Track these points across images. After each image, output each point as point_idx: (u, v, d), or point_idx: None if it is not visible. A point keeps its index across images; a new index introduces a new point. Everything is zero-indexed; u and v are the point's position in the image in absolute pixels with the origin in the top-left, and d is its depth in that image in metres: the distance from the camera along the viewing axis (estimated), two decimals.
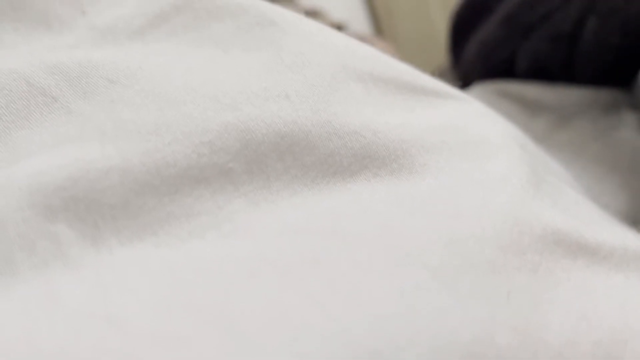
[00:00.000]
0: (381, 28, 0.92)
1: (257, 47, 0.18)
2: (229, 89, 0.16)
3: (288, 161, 0.16)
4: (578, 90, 0.40)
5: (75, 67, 0.16)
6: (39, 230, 0.12)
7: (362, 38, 0.48)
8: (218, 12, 0.20)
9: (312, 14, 0.51)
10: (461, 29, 0.48)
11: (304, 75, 0.17)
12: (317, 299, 0.12)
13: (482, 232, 0.15)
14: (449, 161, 0.18)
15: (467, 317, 0.13)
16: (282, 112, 0.16)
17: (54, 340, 0.10)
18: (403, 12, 0.92)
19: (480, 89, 0.43)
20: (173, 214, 0.14)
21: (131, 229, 0.13)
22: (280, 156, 0.16)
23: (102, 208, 0.13)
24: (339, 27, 0.50)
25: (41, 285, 0.11)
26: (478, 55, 0.45)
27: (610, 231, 0.19)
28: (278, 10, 0.20)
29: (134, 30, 0.19)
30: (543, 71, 0.41)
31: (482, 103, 0.39)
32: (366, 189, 0.16)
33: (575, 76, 0.40)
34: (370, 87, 0.19)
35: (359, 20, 0.92)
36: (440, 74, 0.77)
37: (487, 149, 0.19)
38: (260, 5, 0.20)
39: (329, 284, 0.12)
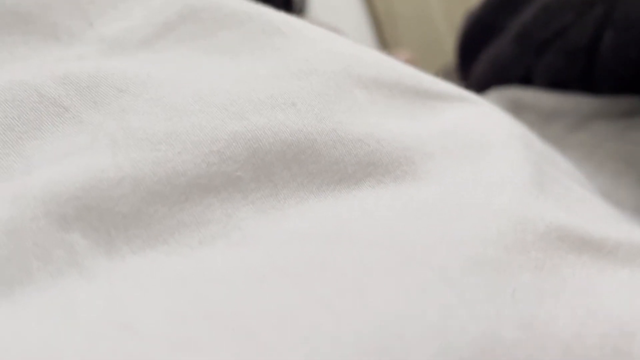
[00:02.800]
0: (384, 34, 0.92)
1: (264, 54, 0.19)
2: (237, 97, 0.17)
3: (294, 169, 0.16)
4: (596, 98, 0.40)
5: (84, 77, 0.17)
6: (54, 239, 0.12)
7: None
8: (224, 20, 0.20)
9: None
10: (470, 47, 0.48)
11: (309, 83, 0.18)
12: (326, 301, 0.12)
13: (486, 233, 0.15)
14: (451, 167, 0.18)
15: (473, 315, 0.13)
16: (289, 121, 0.16)
17: (73, 348, 0.10)
18: (405, 18, 0.92)
19: (496, 95, 0.43)
20: (183, 223, 0.14)
21: (143, 238, 0.13)
22: (286, 164, 0.16)
23: (114, 217, 0.13)
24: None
25: (57, 294, 0.12)
26: (490, 73, 0.45)
27: (616, 226, 0.19)
28: (283, 17, 0.20)
29: (142, 40, 0.20)
30: (561, 86, 0.41)
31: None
32: (371, 195, 0.16)
33: (594, 89, 0.40)
34: (374, 94, 0.19)
35: (361, 26, 0.93)
36: (444, 74, 0.77)
37: (489, 151, 0.19)
38: (266, 12, 0.20)
39: (337, 286, 0.13)
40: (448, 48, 0.88)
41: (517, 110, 0.42)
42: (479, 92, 0.46)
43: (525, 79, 0.42)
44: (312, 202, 0.16)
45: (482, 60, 0.45)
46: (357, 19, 0.93)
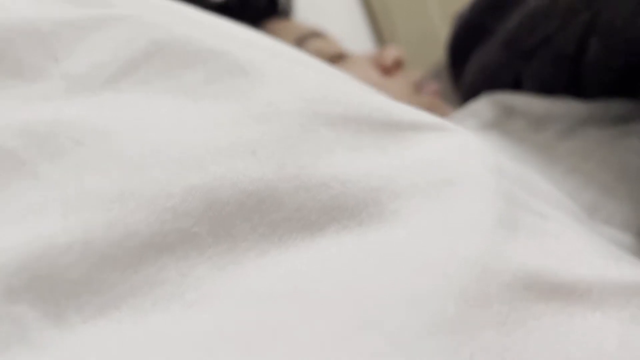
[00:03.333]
0: (379, 28, 0.91)
1: (227, 97, 0.18)
2: (195, 148, 0.16)
3: (255, 220, 0.16)
4: (588, 101, 0.40)
5: (43, 127, 0.17)
6: (0, 313, 0.12)
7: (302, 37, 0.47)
8: (189, 58, 0.20)
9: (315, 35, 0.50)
10: (460, 48, 0.47)
11: (271, 127, 0.17)
12: None
13: (447, 287, 0.15)
14: (420, 206, 0.18)
15: None
16: (248, 170, 0.16)
17: None
18: (401, 12, 0.91)
19: (487, 101, 0.42)
20: (137, 286, 0.14)
21: (94, 305, 0.13)
22: (246, 215, 0.16)
23: (64, 285, 0.13)
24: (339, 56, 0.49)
25: None
26: (480, 79, 0.44)
27: (590, 264, 0.19)
28: (250, 54, 0.20)
29: (107, 79, 0.19)
30: (550, 92, 0.40)
31: (468, 124, 0.38)
32: (334, 244, 0.16)
33: (582, 95, 0.40)
34: (341, 131, 0.19)
35: (357, 21, 0.92)
36: (436, 73, 0.76)
37: (460, 187, 0.19)
38: (232, 50, 0.20)
39: (286, 356, 0.13)
40: (443, 41, 0.87)
41: (507, 115, 0.42)
42: (470, 97, 0.45)
43: (515, 85, 0.42)
44: (272, 254, 0.16)
45: (472, 65, 0.45)
46: (352, 13, 0.92)
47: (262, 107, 0.18)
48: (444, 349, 0.13)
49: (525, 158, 0.36)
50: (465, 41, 0.47)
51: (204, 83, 0.19)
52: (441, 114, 0.48)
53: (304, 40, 0.48)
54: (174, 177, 0.15)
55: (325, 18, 0.80)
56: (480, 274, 0.15)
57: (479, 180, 0.19)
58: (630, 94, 0.40)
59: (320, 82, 0.20)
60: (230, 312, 0.14)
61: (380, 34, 0.91)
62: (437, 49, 0.83)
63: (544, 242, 0.19)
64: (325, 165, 0.17)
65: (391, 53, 0.52)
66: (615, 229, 0.31)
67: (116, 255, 0.14)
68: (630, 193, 0.34)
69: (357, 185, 0.18)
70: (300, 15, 0.68)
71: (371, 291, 0.15)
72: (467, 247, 0.16)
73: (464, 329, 0.14)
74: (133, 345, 0.12)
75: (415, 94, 0.49)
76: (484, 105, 0.42)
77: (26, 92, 0.19)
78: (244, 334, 0.13)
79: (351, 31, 0.88)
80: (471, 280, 0.15)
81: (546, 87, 0.40)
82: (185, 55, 0.20)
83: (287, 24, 0.54)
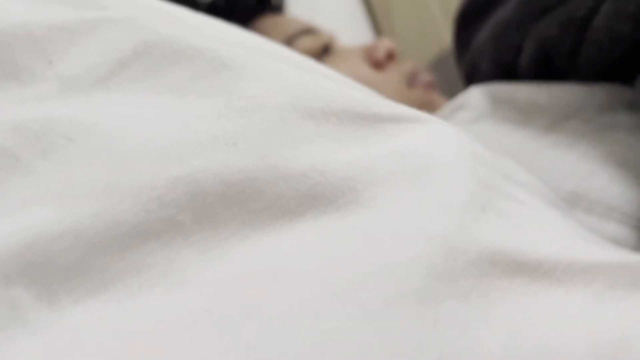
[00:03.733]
0: (378, 22, 0.92)
1: (210, 92, 0.19)
2: (180, 141, 0.17)
3: (235, 209, 0.17)
4: (572, 89, 0.40)
5: (36, 125, 0.18)
6: None
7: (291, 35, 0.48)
8: (175, 56, 0.21)
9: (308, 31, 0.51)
10: (471, 15, 0.47)
11: (252, 121, 0.18)
12: (250, 345, 0.13)
13: (416, 262, 0.16)
14: (395, 193, 0.19)
15: (393, 348, 0.14)
16: (229, 161, 0.17)
17: None
18: (400, 6, 0.92)
19: (477, 93, 0.43)
20: (124, 270, 0.15)
21: (85, 288, 0.14)
22: (227, 204, 0.17)
23: (56, 270, 0.14)
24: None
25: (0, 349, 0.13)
26: (491, 37, 0.44)
27: (558, 245, 0.19)
28: (233, 51, 0.21)
29: (98, 79, 0.20)
30: (547, 60, 0.40)
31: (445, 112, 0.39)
32: (313, 228, 0.17)
33: (579, 69, 0.39)
34: (321, 124, 0.20)
35: (355, 14, 0.92)
36: (434, 66, 0.76)
37: (434, 174, 0.20)
38: (215, 47, 0.21)
39: (262, 329, 0.14)
40: (444, 36, 0.88)
41: (496, 106, 0.42)
42: (475, 61, 0.45)
43: (519, 48, 0.41)
44: (253, 240, 0.17)
45: (487, 25, 0.44)
46: (351, 8, 0.93)
47: (244, 101, 0.19)
48: (411, 316, 0.14)
49: (511, 150, 0.37)
50: (477, 7, 0.46)
51: (189, 79, 0.20)
52: (435, 106, 0.49)
53: (294, 38, 0.49)
54: (159, 170, 0.16)
55: (323, 13, 0.80)
56: (448, 251, 0.16)
57: (452, 167, 0.20)
58: (623, 79, 0.40)
59: (303, 78, 0.21)
60: (212, 293, 0.15)
61: (378, 30, 0.91)
62: (436, 44, 0.84)
63: (515, 224, 0.19)
64: (305, 157, 0.18)
65: (384, 45, 0.53)
66: (596, 218, 0.32)
67: (104, 243, 0.15)
68: (615, 178, 0.34)
69: (335, 175, 0.18)
70: (297, 11, 0.69)
71: (346, 266, 0.16)
72: (436, 226, 0.17)
73: (430, 299, 0.15)
74: (121, 324, 0.14)
75: (408, 88, 0.49)
76: (474, 96, 0.43)
77: (21, 94, 0.20)
78: (223, 310, 0.14)
79: (349, 27, 0.89)
80: (439, 257, 0.16)
81: (545, 55, 0.39)
82: (172, 54, 0.21)
83: (278, 20, 0.55)
